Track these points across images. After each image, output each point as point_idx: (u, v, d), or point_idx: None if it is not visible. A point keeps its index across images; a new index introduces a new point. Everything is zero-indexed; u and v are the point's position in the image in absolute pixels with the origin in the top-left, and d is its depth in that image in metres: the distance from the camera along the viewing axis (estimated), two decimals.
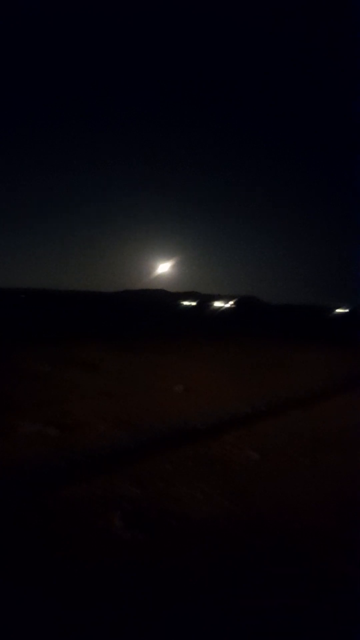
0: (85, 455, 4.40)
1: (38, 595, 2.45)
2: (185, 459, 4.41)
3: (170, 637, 2.23)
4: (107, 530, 3.08)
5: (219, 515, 3.38)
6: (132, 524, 3.16)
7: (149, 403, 6.56)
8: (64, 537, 2.99)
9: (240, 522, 3.30)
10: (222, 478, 4.04)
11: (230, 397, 7.13)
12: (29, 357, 9.88)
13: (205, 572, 2.71)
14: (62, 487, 3.70)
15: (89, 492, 3.59)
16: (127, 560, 2.79)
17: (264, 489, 3.87)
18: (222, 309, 62.48)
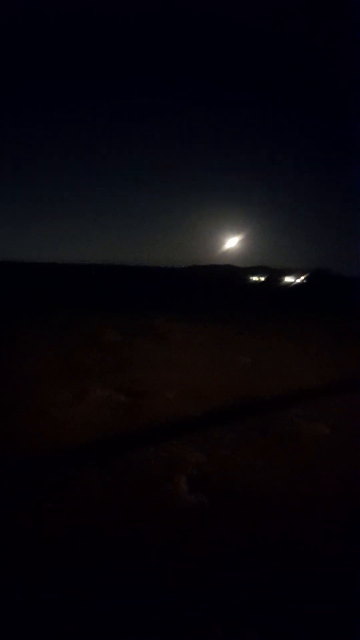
0: (153, 421, 4.53)
1: (106, 557, 2.57)
2: (251, 430, 4.37)
3: (234, 601, 2.25)
4: (173, 493, 3.15)
5: (283, 486, 3.32)
6: (197, 488, 3.20)
7: (216, 374, 6.57)
8: (131, 497, 3.10)
9: (306, 495, 3.22)
10: (288, 450, 3.96)
11: (301, 371, 6.92)
12: (101, 326, 10.29)
13: (268, 540, 2.69)
14: (130, 449, 3.84)
15: (156, 456, 3.69)
16: (191, 523, 2.84)
17: (332, 464, 3.74)
18: (292, 284, 60.37)
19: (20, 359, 7.01)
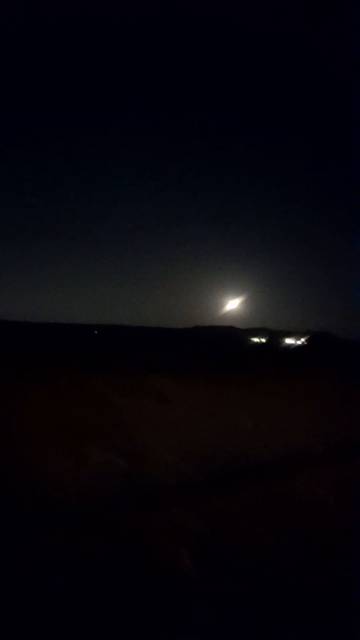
0: (154, 488, 4.43)
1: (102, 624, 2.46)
2: (253, 497, 4.27)
3: None
4: (173, 564, 3.04)
5: (288, 556, 3.20)
6: (198, 559, 3.09)
7: (219, 437, 6.47)
8: (131, 567, 2.99)
9: (308, 563, 3.09)
10: (293, 520, 3.84)
11: (303, 435, 6.82)
12: (102, 386, 10.23)
13: (269, 614, 2.56)
14: (131, 516, 3.73)
15: (157, 525, 3.58)
16: (192, 594, 2.72)
17: (337, 535, 3.61)
18: (294, 345, 60.52)
19: (21, 419, 6.95)
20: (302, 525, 3.76)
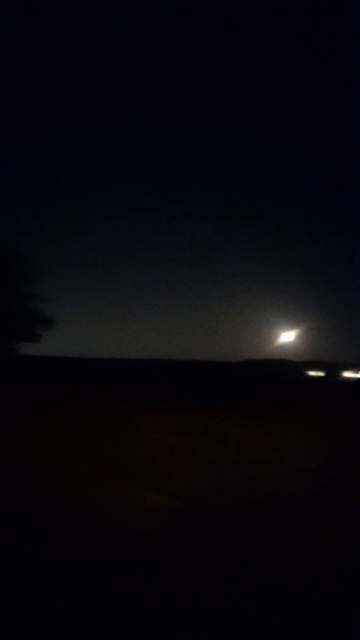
0: (209, 531, 4.33)
1: None
2: (318, 545, 4.07)
3: None
4: (232, 611, 2.96)
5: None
6: (261, 608, 2.99)
7: (274, 479, 6.24)
8: (191, 611, 2.94)
9: None
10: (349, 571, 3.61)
11: None
12: (153, 424, 10.22)
13: None
14: (186, 561, 3.67)
15: (213, 572, 3.51)
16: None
17: None
18: (353, 379, 57.73)
19: (72, 458, 7.01)
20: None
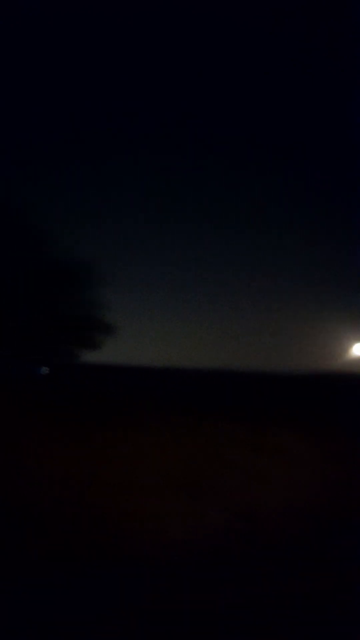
0: (275, 552, 3.95)
1: None
2: None
3: None
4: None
5: None
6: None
7: (348, 502, 5.39)
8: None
9: None
10: None
11: None
12: (218, 437, 9.67)
13: None
14: (246, 583, 3.36)
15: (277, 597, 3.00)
16: None
17: None
18: None
19: (137, 466, 6.70)
20: None
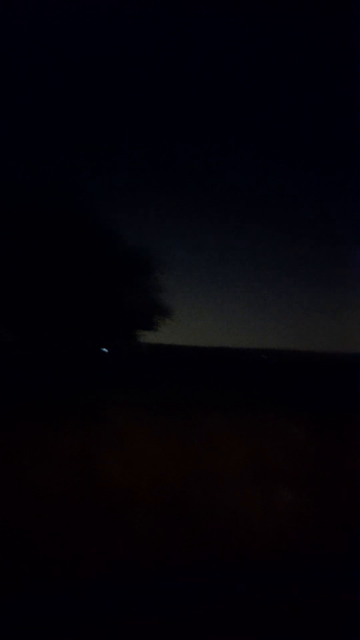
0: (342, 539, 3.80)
1: None
2: None
3: None
4: None
5: None
6: None
7: None
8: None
9: None
10: None
11: None
12: (287, 423, 9.73)
13: None
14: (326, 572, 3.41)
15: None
16: None
17: None
18: None
19: (207, 452, 6.93)
20: None
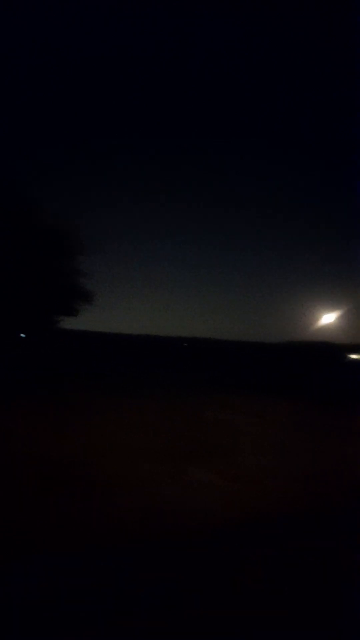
0: (254, 513, 4.22)
1: None
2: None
3: None
4: (271, 598, 2.81)
5: None
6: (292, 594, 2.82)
7: (322, 463, 6.03)
8: (224, 595, 2.81)
9: None
10: None
11: None
12: (201, 404, 10.22)
13: None
14: (227, 542, 3.59)
15: (256, 556, 3.35)
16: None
17: None
18: None
19: (121, 433, 7.10)
20: None
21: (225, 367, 27.68)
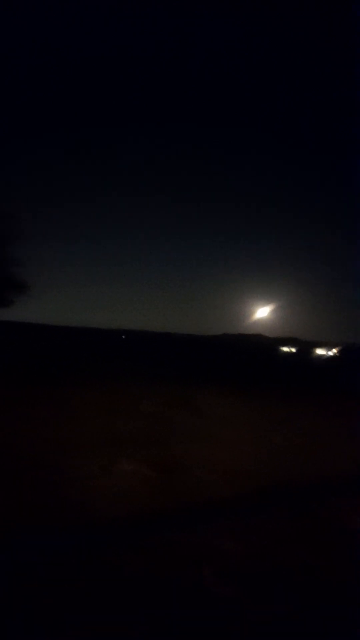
0: (185, 501, 4.36)
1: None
2: (289, 519, 4.14)
3: None
4: (199, 583, 2.98)
5: (322, 579, 3.08)
6: (224, 579, 3.02)
7: (251, 452, 6.34)
8: (155, 583, 2.94)
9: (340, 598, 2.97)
10: (329, 542, 3.70)
11: (340, 454, 6.61)
12: (138, 395, 10.27)
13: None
14: (158, 531, 3.68)
15: (184, 541, 3.52)
16: (216, 613, 2.67)
17: None
18: (324, 356, 59.14)
19: (53, 425, 7.00)
20: (331, 547, 3.63)
21: (161, 358, 27.95)
